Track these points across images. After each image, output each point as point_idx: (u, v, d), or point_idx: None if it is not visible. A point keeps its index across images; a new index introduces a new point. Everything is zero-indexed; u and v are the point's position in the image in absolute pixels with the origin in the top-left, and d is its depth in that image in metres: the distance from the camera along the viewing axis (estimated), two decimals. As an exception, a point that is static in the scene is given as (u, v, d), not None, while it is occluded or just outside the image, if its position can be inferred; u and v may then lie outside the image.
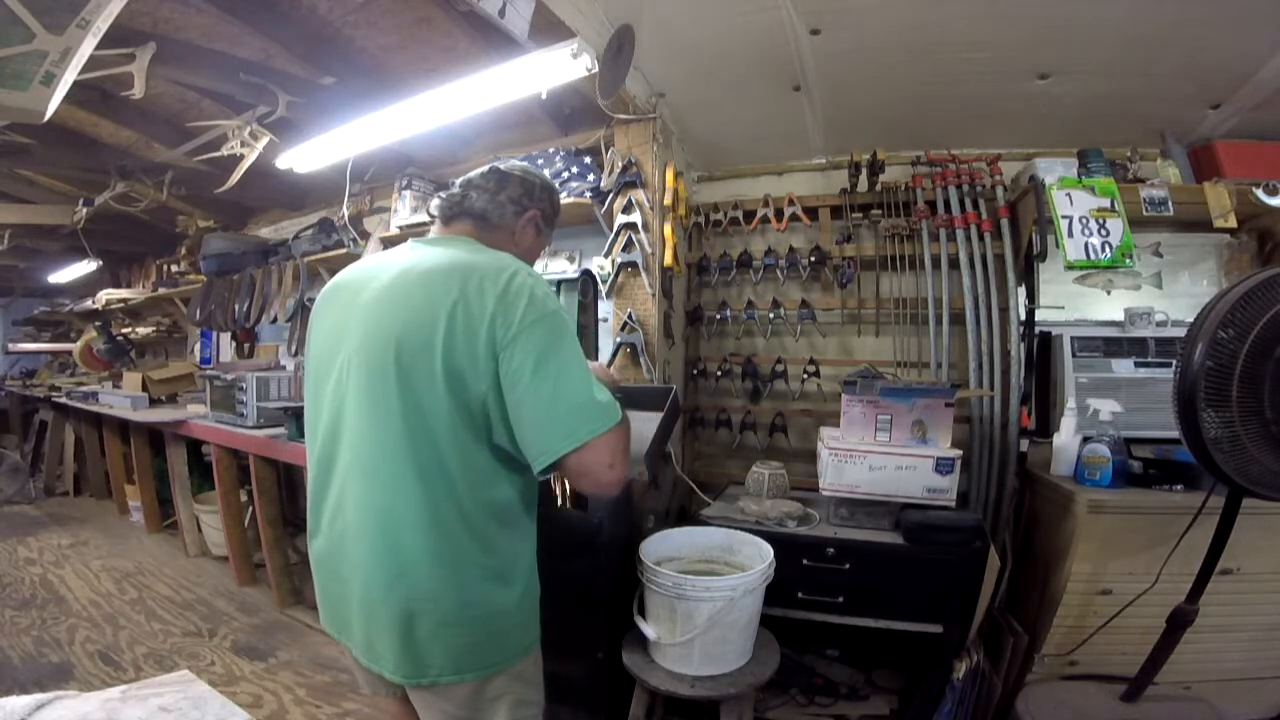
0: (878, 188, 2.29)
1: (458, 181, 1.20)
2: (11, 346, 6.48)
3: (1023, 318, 2.12)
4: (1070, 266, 1.91)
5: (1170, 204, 1.95)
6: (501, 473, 1.01)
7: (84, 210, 3.64)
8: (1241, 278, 1.28)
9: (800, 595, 1.74)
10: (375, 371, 0.97)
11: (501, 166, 1.21)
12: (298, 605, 2.85)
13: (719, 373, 2.46)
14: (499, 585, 1.01)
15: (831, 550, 1.75)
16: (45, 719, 0.50)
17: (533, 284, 0.99)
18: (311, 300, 3.63)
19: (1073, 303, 2.12)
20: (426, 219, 2.67)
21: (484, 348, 0.94)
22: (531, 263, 1.22)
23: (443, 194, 1.19)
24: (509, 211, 1.17)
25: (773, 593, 1.55)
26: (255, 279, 3.62)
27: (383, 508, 0.96)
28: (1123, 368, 1.98)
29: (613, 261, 2.27)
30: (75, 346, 5.31)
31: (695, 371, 2.53)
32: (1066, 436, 1.85)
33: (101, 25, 1.20)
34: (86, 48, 1.21)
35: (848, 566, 1.73)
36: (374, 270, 1.08)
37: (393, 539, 0.95)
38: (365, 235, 3.06)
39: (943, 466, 1.72)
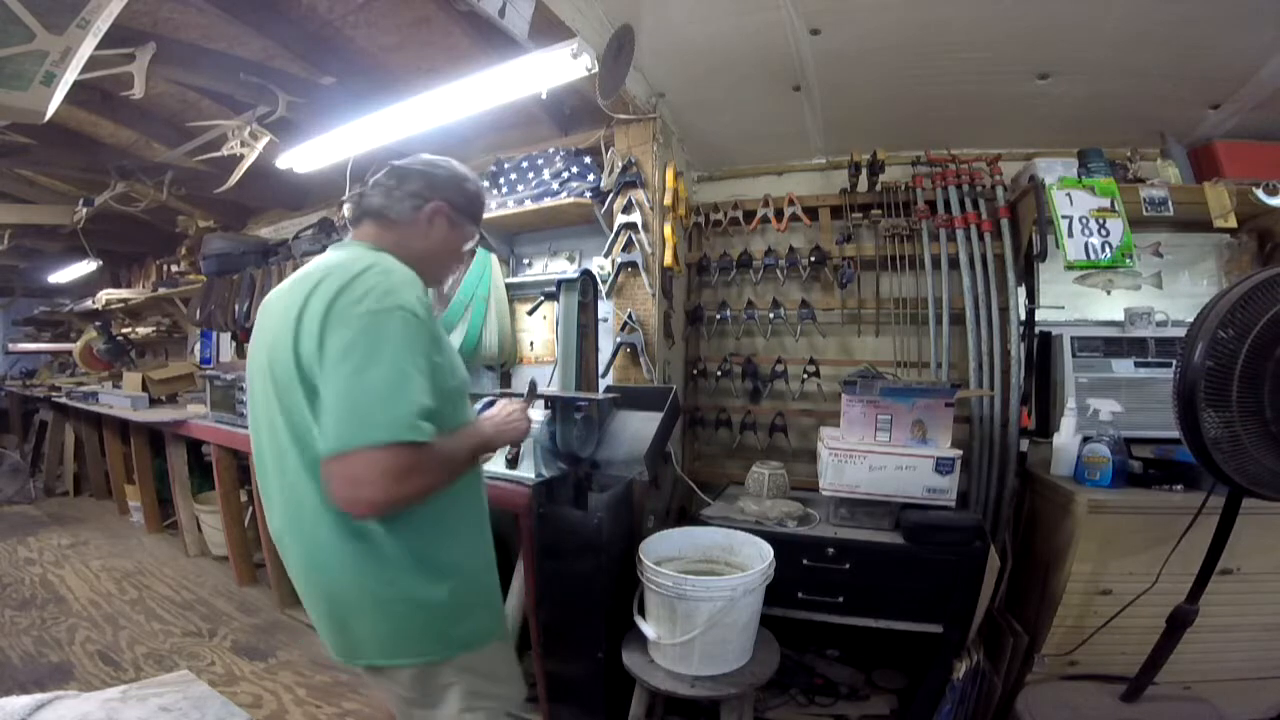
0: (878, 188, 2.29)
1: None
2: (11, 346, 6.48)
3: (1023, 318, 2.12)
4: (1070, 266, 1.91)
5: (1170, 204, 1.95)
6: None
7: (84, 210, 3.64)
8: (1241, 278, 1.28)
9: (800, 595, 1.74)
10: (257, 382, 1.04)
11: (399, 162, 1.16)
12: (298, 605, 2.81)
13: (719, 373, 2.46)
14: (420, 578, 1.00)
15: (831, 550, 1.74)
16: (45, 719, 0.50)
17: (380, 280, 0.96)
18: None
19: (1073, 303, 2.12)
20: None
21: (319, 345, 0.93)
22: (453, 259, 1.19)
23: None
24: (407, 207, 1.11)
25: (773, 593, 1.55)
26: (255, 279, 3.61)
27: (295, 504, 1.00)
28: (1123, 368, 1.98)
29: (613, 261, 2.27)
30: (75, 346, 5.31)
31: (695, 371, 2.53)
32: (1066, 436, 1.85)
33: (101, 25, 1.20)
34: (86, 48, 1.21)
35: (848, 566, 1.73)
36: (284, 283, 1.12)
37: (309, 534, 1.00)
38: (365, 235, 3.05)
39: (943, 466, 1.72)
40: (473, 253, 1.21)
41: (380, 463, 0.85)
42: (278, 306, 1.03)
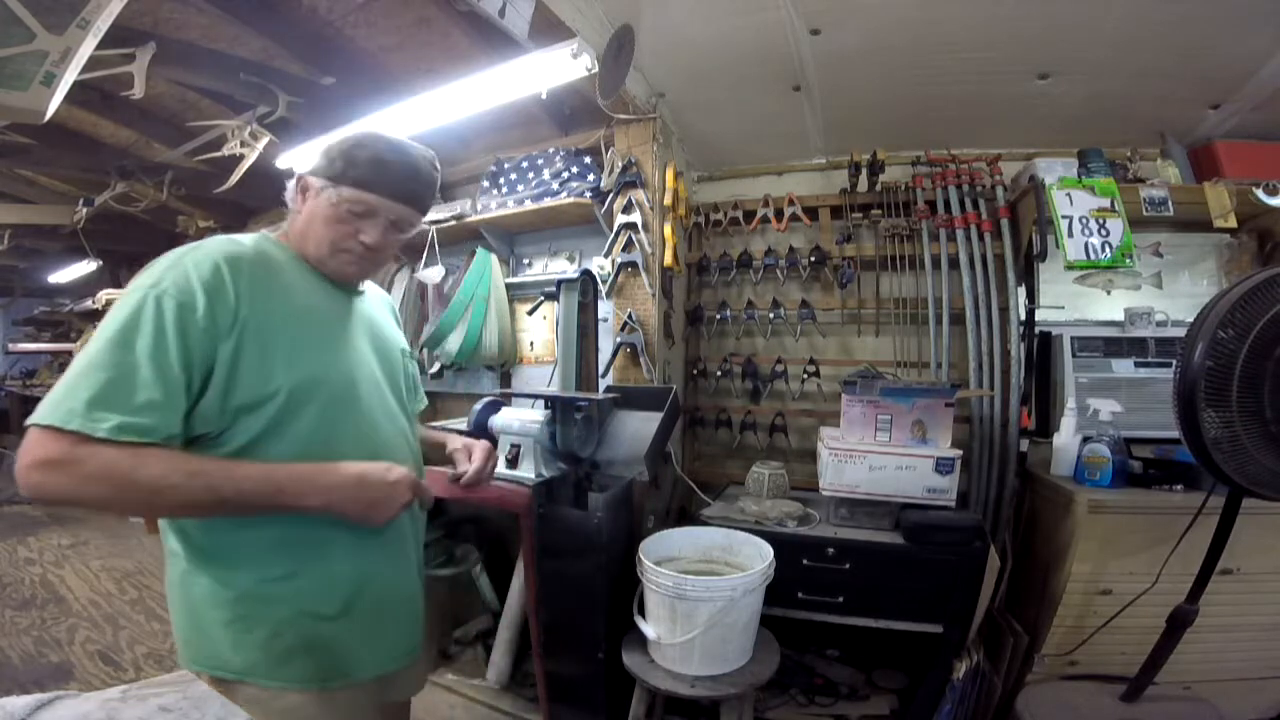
0: (878, 188, 2.29)
1: None
2: (11, 346, 6.48)
3: (1023, 318, 2.12)
4: (1070, 266, 1.91)
5: (1170, 204, 1.95)
6: None
7: (84, 210, 3.65)
8: (1241, 278, 1.28)
9: (800, 595, 1.74)
10: None
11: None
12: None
13: (719, 373, 2.46)
14: (196, 569, 0.91)
15: (831, 550, 1.74)
16: (45, 719, 0.50)
17: (163, 259, 0.87)
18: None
19: (1073, 303, 2.12)
20: (427, 219, 2.67)
21: None
22: (327, 231, 0.98)
23: None
24: (290, 189, 1.02)
25: (773, 593, 1.55)
26: (255, 279, 3.61)
27: None
28: (1123, 368, 1.98)
29: (613, 261, 2.27)
30: (75, 346, 5.32)
31: (695, 371, 2.53)
32: (1066, 436, 1.85)
33: (101, 25, 1.20)
34: (86, 48, 1.21)
35: (848, 566, 1.73)
36: None
37: None
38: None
39: (943, 466, 1.72)
40: (371, 229, 1.00)
41: (32, 445, 0.76)
42: None
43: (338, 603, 0.95)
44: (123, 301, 0.82)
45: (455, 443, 1.23)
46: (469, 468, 1.16)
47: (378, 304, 1.19)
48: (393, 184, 0.98)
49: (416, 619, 1.13)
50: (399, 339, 1.20)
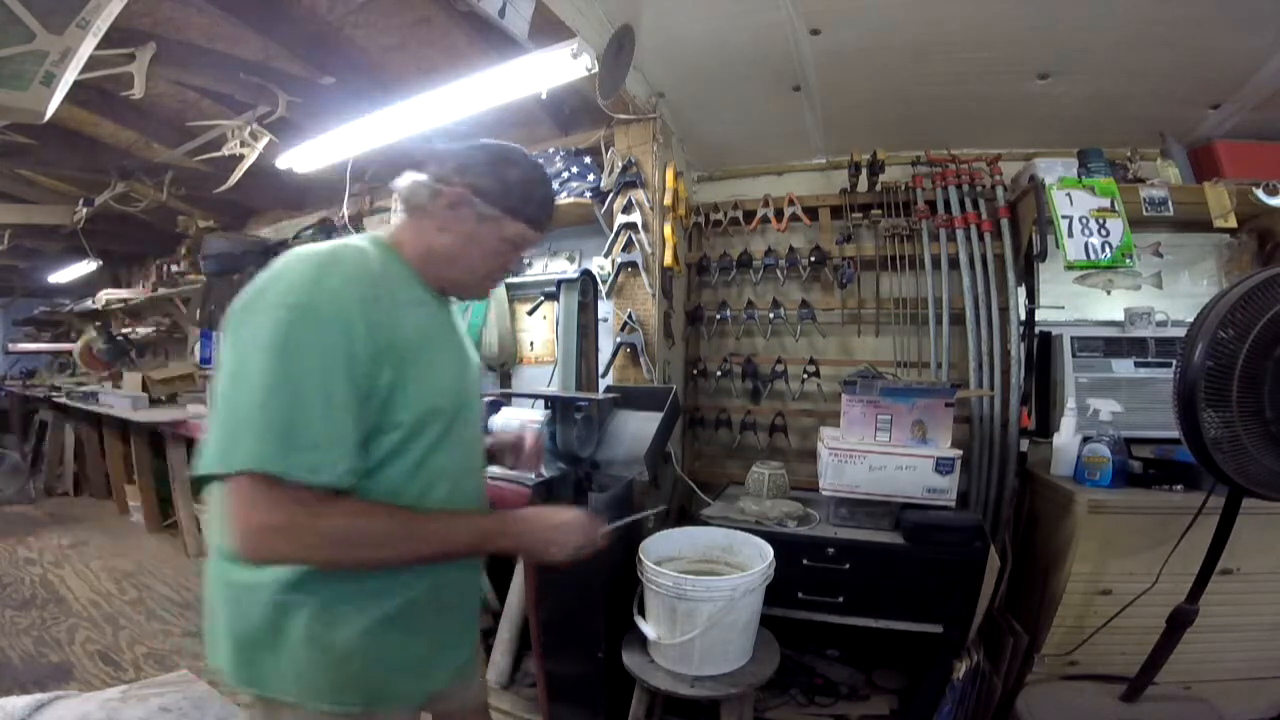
0: (878, 188, 2.29)
1: None
2: (11, 346, 6.48)
3: (1023, 318, 2.12)
4: (1070, 266, 1.91)
5: (1170, 204, 1.95)
6: None
7: (84, 210, 3.64)
8: (1241, 278, 1.28)
9: (800, 595, 1.74)
10: None
11: (440, 144, 1.03)
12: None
13: (719, 373, 2.46)
14: (297, 595, 0.81)
15: (831, 550, 1.74)
16: (45, 719, 0.50)
17: (293, 268, 0.78)
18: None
19: (1073, 303, 2.12)
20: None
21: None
22: (484, 261, 0.95)
23: None
24: (427, 194, 0.91)
25: (773, 593, 1.55)
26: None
27: None
28: (1123, 368, 1.98)
29: (613, 261, 2.27)
30: (75, 346, 5.32)
31: (695, 371, 2.53)
32: (1066, 436, 1.85)
33: (101, 25, 1.20)
34: (86, 48, 1.21)
35: (848, 566, 1.73)
36: None
37: None
38: (365, 235, 3.06)
39: (943, 466, 1.72)
40: (520, 262, 1.02)
41: (253, 502, 0.72)
42: None
43: (419, 631, 0.92)
44: (270, 323, 0.74)
45: (502, 438, 1.27)
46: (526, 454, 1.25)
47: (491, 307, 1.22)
48: (544, 219, 0.98)
49: (474, 633, 1.15)
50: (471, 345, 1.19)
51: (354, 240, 0.90)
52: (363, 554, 0.79)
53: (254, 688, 0.84)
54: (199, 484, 0.76)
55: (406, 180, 0.93)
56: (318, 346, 0.74)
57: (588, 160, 2.50)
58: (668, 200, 2.23)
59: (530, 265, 2.86)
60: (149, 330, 5.16)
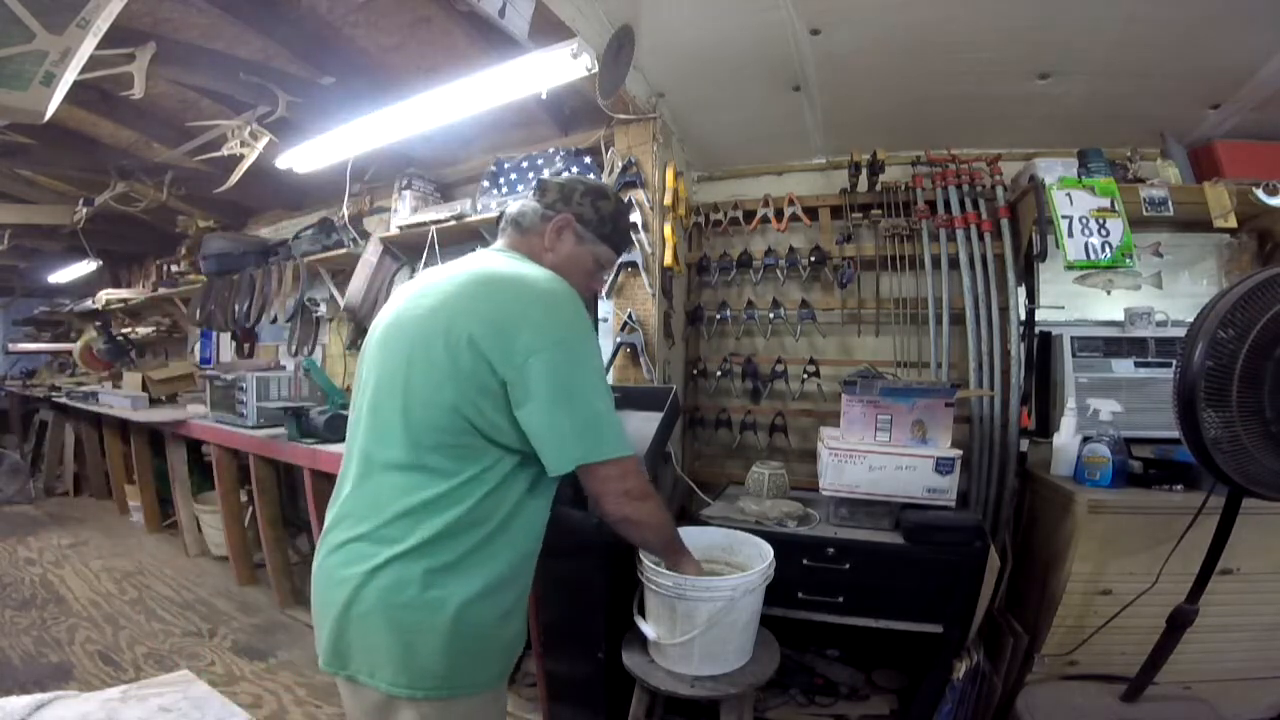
0: (878, 188, 2.29)
1: None
2: (11, 346, 6.47)
3: (1023, 318, 2.12)
4: (1070, 266, 1.91)
5: (1170, 204, 1.95)
6: None
7: (84, 210, 3.64)
8: (1241, 278, 1.28)
9: (800, 595, 1.74)
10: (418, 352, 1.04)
11: (549, 175, 1.26)
12: (298, 605, 2.85)
13: (719, 373, 2.46)
14: (477, 595, 0.97)
15: (831, 550, 1.74)
16: (45, 719, 0.50)
17: (569, 304, 1.00)
18: (312, 300, 3.62)
19: (1073, 303, 2.12)
20: (427, 219, 2.68)
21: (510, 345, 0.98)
22: (579, 277, 1.14)
23: None
24: (537, 218, 1.13)
25: (773, 593, 1.54)
26: (255, 279, 3.62)
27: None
28: (1123, 368, 1.98)
29: (613, 261, 2.27)
30: (75, 346, 5.31)
31: (695, 371, 2.53)
32: (1066, 436, 1.85)
33: (101, 25, 1.20)
34: (86, 48, 1.21)
35: (848, 566, 1.73)
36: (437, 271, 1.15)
37: None
38: (365, 235, 3.06)
39: (943, 466, 1.72)
40: (605, 280, 1.26)
41: (624, 475, 1.02)
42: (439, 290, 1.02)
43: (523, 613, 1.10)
44: (581, 343, 0.98)
45: None
46: None
47: None
48: (626, 244, 1.28)
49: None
50: None
51: (518, 257, 1.11)
52: (667, 531, 1.24)
53: (433, 690, 0.94)
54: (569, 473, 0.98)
55: (518, 205, 1.15)
56: (600, 367, 1.04)
57: (588, 160, 2.50)
58: (668, 200, 2.23)
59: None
60: (149, 330, 5.16)
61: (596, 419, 0.97)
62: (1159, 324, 1.99)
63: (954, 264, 2.19)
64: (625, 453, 0.99)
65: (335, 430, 2.41)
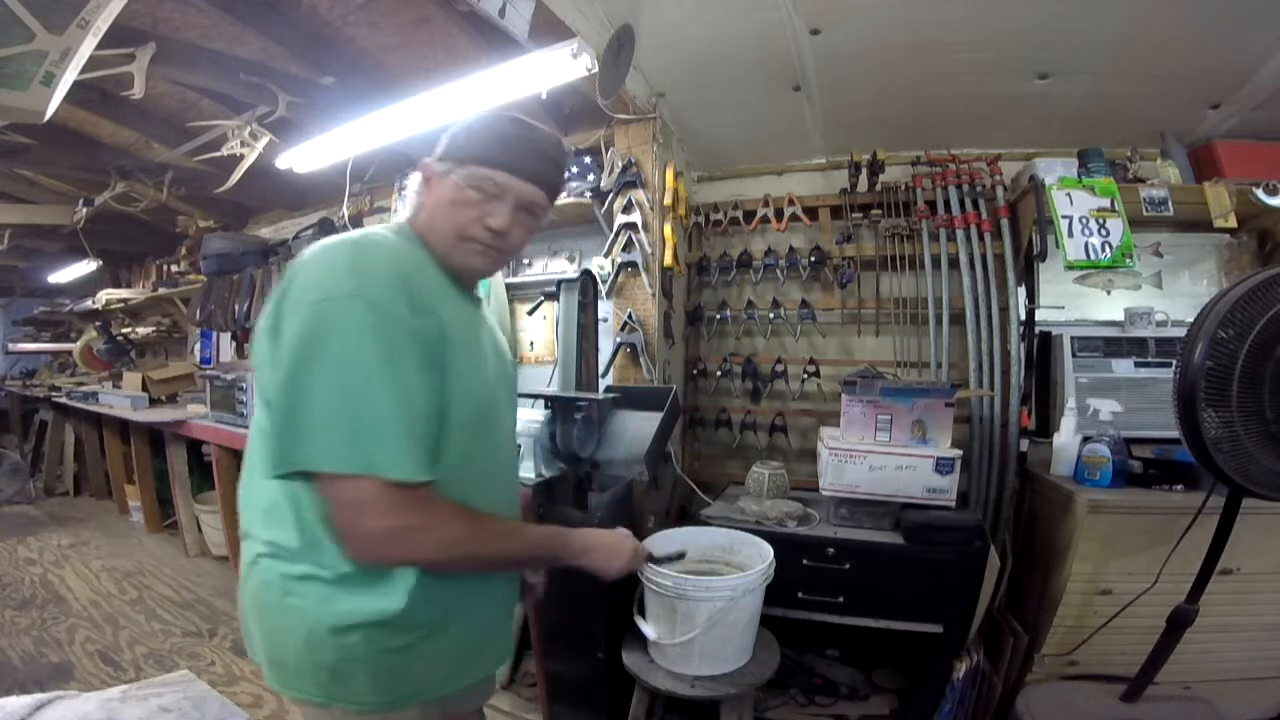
0: (878, 188, 2.29)
1: None
2: (11, 346, 6.47)
3: (1023, 318, 2.12)
4: (1070, 266, 1.91)
5: (1170, 204, 1.95)
6: None
7: (84, 210, 3.64)
8: (1241, 278, 1.28)
9: (800, 595, 1.74)
10: None
11: None
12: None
13: (719, 373, 2.46)
14: (340, 595, 0.81)
15: (831, 550, 1.74)
16: (45, 719, 0.50)
17: (340, 263, 0.77)
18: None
19: (1073, 303, 2.12)
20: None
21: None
22: (443, 218, 0.88)
23: None
24: (417, 181, 0.93)
25: (773, 593, 1.54)
26: (255, 279, 3.61)
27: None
28: (1123, 368, 1.98)
29: (613, 261, 2.27)
30: (75, 346, 5.31)
31: (695, 371, 2.53)
32: (1066, 436, 1.85)
33: (101, 25, 1.20)
34: (86, 48, 1.21)
35: (848, 566, 1.73)
36: None
37: None
38: (365, 235, 3.05)
39: (943, 466, 1.72)
40: (497, 212, 0.89)
41: (374, 502, 0.73)
42: None
43: (445, 622, 0.88)
44: (327, 315, 0.72)
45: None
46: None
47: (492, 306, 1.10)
48: (520, 161, 0.87)
49: (508, 634, 1.07)
50: (507, 346, 1.10)
51: (377, 229, 0.88)
52: (481, 561, 0.84)
53: (301, 694, 0.82)
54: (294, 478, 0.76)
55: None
56: (387, 340, 0.73)
57: (588, 160, 2.50)
58: (668, 200, 2.23)
59: (531, 265, 2.86)
60: (149, 330, 5.16)
61: (323, 407, 0.71)
62: (1159, 324, 1.99)
63: (954, 264, 2.19)
64: (354, 469, 0.70)
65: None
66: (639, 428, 1.91)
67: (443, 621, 0.85)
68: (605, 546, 1.03)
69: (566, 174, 0.97)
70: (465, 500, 0.84)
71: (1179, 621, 1.43)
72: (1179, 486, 1.70)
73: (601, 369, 2.29)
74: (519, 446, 1.80)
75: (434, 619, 0.84)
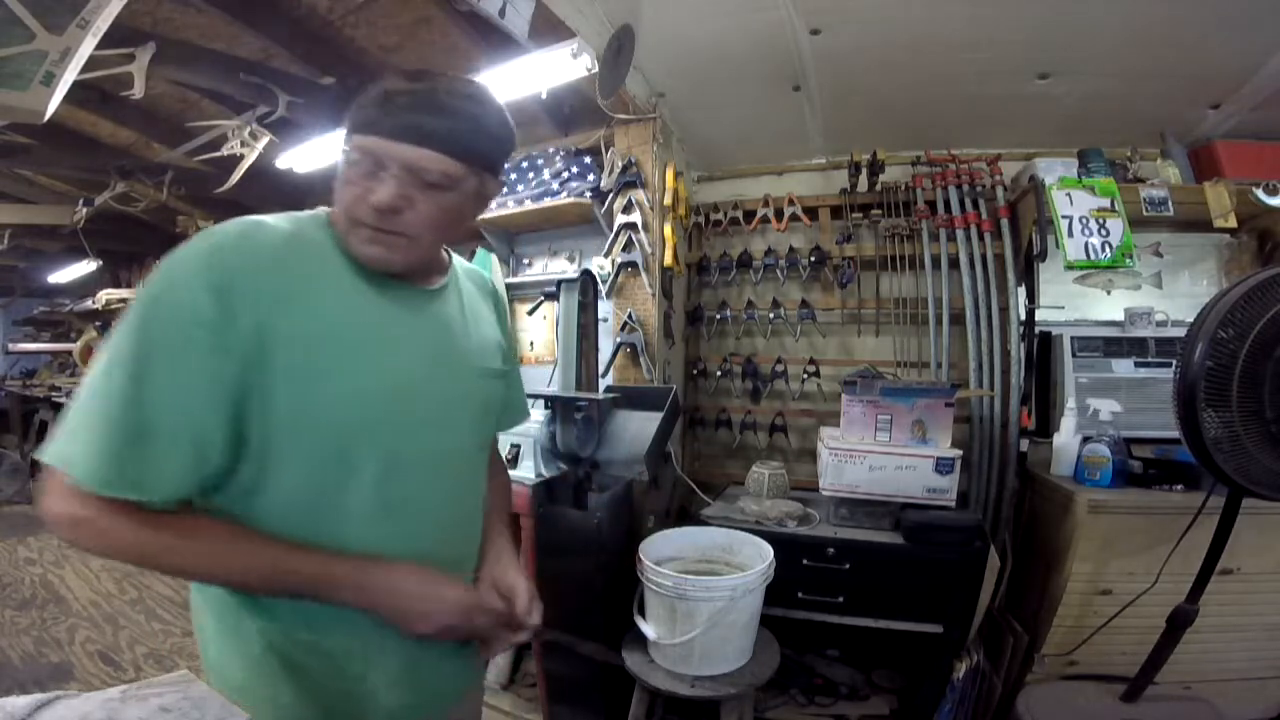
0: (878, 188, 2.29)
1: None
2: (11, 346, 6.47)
3: (1023, 318, 2.12)
4: (1070, 266, 1.91)
5: (1170, 204, 1.95)
6: None
7: (84, 210, 3.65)
8: (1241, 278, 1.28)
9: (800, 595, 1.74)
10: None
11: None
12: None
13: (719, 373, 2.46)
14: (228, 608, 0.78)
15: (831, 550, 1.74)
16: (45, 719, 0.50)
17: (170, 259, 0.72)
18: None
19: (1073, 303, 2.12)
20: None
21: None
22: (338, 197, 0.79)
23: None
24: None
25: (773, 593, 1.55)
26: (255, 279, 3.61)
27: None
28: (1123, 368, 1.98)
29: (613, 261, 2.27)
30: (75, 346, 5.32)
31: (695, 371, 2.53)
32: (1066, 436, 1.85)
33: (101, 25, 1.20)
34: (86, 48, 1.21)
35: (848, 566, 1.73)
36: None
37: None
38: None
39: (943, 466, 1.72)
40: (385, 179, 0.74)
41: (54, 493, 0.66)
42: None
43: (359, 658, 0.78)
44: (125, 316, 0.68)
45: (492, 568, 0.90)
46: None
47: (469, 300, 0.92)
48: (402, 121, 0.73)
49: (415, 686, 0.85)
50: (486, 351, 0.92)
51: (280, 215, 0.80)
52: (160, 562, 0.70)
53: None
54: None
55: None
56: (159, 342, 0.67)
57: (588, 160, 2.50)
58: (668, 200, 2.23)
59: (531, 265, 2.86)
60: (149, 330, 5.16)
61: (79, 406, 0.65)
62: (1159, 324, 1.98)
63: (954, 264, 2.19)
64: (53, 460, 0.64)
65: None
66: (639, 428, 1.92)
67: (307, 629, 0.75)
68: (398, 592, 0.74)
69: (500, 127, 0.80)
70: (333, 539, 0.72)
71: (1179, 621, 1.43)
72: (1179, 486, 1.70)
73: (601, 369, 2.29)
74: (517, 447, 1.81)
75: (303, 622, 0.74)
